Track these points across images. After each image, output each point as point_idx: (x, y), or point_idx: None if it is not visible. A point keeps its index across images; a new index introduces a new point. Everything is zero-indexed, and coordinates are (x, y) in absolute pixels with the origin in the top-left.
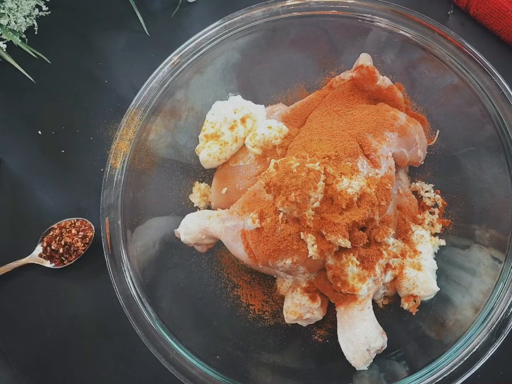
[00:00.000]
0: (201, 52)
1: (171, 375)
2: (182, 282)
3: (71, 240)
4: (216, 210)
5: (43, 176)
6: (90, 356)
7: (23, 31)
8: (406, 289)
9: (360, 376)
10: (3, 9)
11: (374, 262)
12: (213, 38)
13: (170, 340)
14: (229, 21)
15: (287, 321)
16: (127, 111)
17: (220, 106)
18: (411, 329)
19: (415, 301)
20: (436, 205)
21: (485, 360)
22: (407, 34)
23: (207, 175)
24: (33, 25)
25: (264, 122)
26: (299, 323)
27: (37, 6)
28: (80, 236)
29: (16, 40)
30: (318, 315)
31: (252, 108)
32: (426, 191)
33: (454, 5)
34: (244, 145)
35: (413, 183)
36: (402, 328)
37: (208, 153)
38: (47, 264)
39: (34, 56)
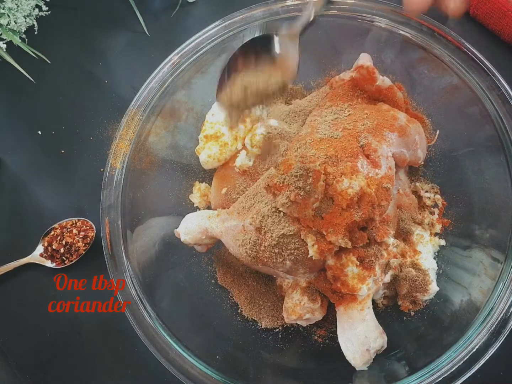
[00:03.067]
0: (201, 52)
1: (171, 375)
2: (182, 282)
3: (72, 240)
4: (216, 210)
5: (43, 176)
6: (90, 356)
7: (23, 31)
8: (406, 289)
9: (360, 376)
10: (3, 9)
11: (374, 262)
12: (213, 38)
13: (170, 340)
14: (229, 21)
15: (287, 321)
16: (127, 111)
17: None
18: (411, 329)
19: (414, 302)
20: (436, 205)
21: (485, 360)
22: (407, 34)
23: (207, 175)
24: (33, 25)
25: (264, 122)
26: (299, 323)
27: (37, 6)
28: (81, 236)
29: (16, 40)
30: (318, 315)
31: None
32: (426, 191)
33: None
34: (244, 145)
35: (413, 183)
36: (402, 328)
37: (208, 155)
38: (48, 263)
39: (34, 56)
